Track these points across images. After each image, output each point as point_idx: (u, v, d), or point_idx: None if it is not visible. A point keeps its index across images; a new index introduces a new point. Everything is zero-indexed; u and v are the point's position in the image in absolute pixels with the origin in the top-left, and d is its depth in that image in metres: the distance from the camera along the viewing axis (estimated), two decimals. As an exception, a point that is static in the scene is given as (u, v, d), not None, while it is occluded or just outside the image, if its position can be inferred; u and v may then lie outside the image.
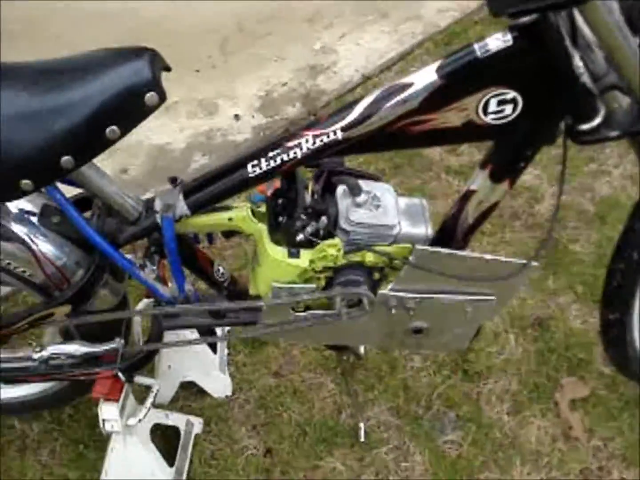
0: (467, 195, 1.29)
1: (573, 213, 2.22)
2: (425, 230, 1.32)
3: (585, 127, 1.15)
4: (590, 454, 1.76)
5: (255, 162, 1.20)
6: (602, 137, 1.14)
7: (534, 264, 1.32)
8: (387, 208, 1.31)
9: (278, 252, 1.31)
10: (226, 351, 1.94)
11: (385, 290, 1.36)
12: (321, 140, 1.15)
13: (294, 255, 1.31)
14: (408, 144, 1.20)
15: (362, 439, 1.78)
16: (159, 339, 1.55)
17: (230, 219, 1.32)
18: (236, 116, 2.56)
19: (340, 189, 1.31)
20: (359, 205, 1.29)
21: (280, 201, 1.32)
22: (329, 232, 1.30)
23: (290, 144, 1.17)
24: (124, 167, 2.42)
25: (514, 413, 1.83)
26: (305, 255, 1.31)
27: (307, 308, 1.41)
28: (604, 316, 1.55)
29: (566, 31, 1.06)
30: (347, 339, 1.53)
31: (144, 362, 1.56)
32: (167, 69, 1.14)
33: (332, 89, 2.65)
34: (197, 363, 1.85)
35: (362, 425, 1.78)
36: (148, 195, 2.33)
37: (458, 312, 1.41)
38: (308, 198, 1.29)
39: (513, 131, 1.15)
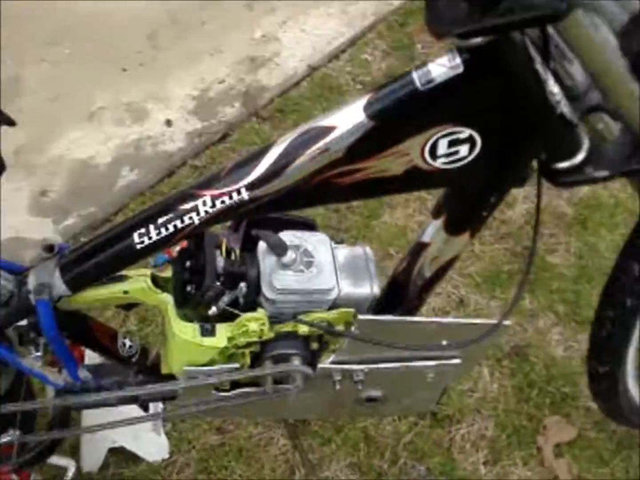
0: (419, 249, 1.03)
1: (550, 218, 1.97)
2: (371, 288, 1.07)
3: (564, 165, 0.89)
4: (581, 506, 1.54)
5: (143, 230, 0.93)
6: (587, 178, 0.89)
7: (506, 323, 1.07)
8: (321, 266, 1.05)
9: (188, 331, 1.05)
10: (161, 406, 1.68)
11: (326, 362, 1.10)
12: (222, 202, 0.89)
13: (208, 332, 1.05)
14: (336, 198, 0.94)
15: (319, 506, 1.54)
16: (65, 422, 1.29)
17: (125, 292, 1.05)
18: (168, 121, 2.28)
19: (262, 246, 1.05)
20: (285, 267, 1.03)
21: (187, 264, 1.06)
22: (251, 301, 1.04)
23: (184, 207, 0.91)
24: (43, 188, 2.13)
25: (492, 463, 1.59)
26: (223, 331, 1.05)
27: (235, 385, 1.15)
28: (592, 368, 1.31)
29: (536, 48, 0.80)
30: (286, 413, 1.29)
31: (51, 448, 1.31)
32: (11, 123, 0.87)
33: (275, 83, 2.37)
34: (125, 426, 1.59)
35: (318, 489, 1.54)
36: (71, 221, 2.09)
37: (417, 378, 1.16)
38: (221, 260, 1.03)
39: (472, 175, 0.90)
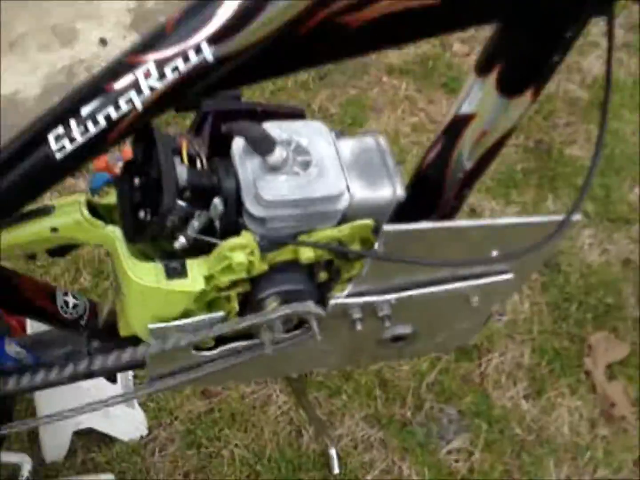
0: (458, 126, 0.74)
1: (562, 105, 1.70)
2: (392, 189, 0.78)
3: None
4: (645, 434, 1.30)
5: (61, 129, 0.62)
6: None
7: (576, 218, 0.79)
8: (323, 165, 0.76)
9: (148, 274, 0.75)
10: (131, 374, 1.39)
11: (340, 297, 0.82)
12: (175, 70, 0.58)
13: (176, 273, 0.75)
14: (342, 50, 0.63)
15: (336, 470, 1.28)
16: (7, 412, 1.01)
17: (54, 230, 0.75)
18: (102, 41, 1.94)
19: (238, 144, 0.75)
20: (274, 170, 0.74)
21: (137, 181, 0.76)
22: (232, 223, 0.75)
23: (118, 85, 0.60)
24: (-37, 132, 1.79)
25: (534, 395, 1.35)
26: (196, 269, 0.76)
27: (221, 340, 0.86)
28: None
29: None
30: (290, 369, 1.00)
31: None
32: None
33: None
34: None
35: (332, 451, 1.28)
36: None
37: (459, 304, 0.89)
38: (183, 170, 0.73)
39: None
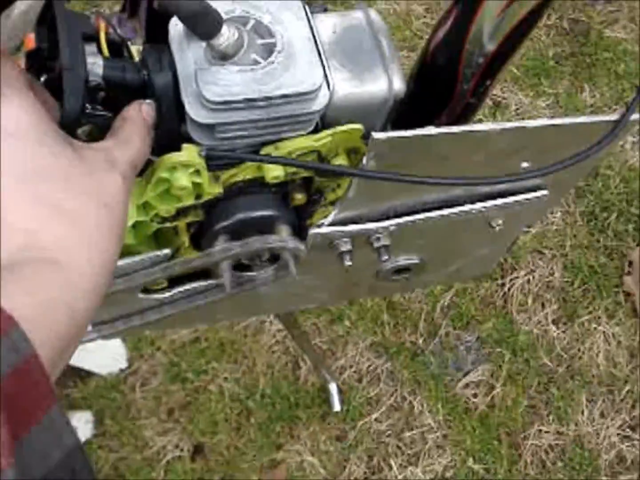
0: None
1: (603, -23, 1.44)
2: (387, 81, 0.59)
3: None
4: (692, 365, 1.13)
5: None
6: None
7: (635, 117, 0.59)
8: (292, 50, 0.56)
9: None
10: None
11: (322, 224, 0.64)
12: None
13: (100, 201, 0.56)
14: None
15: (337, 407, 1.13)
16: None
17: None
18: None
19: (176, 26, 0.55)
20: (223, 59, 0.54)
21: (44, 79, 0.56)
22: (171, 134, 0.56)
23: None
24: None
25: (565, 319, 1.18)
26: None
27: (175, 281, 0.69)
28: None
29: None
30: (267, 308, 0.83)
31: None
32: None
33: None
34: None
35: (333, 385, 1.13)
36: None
37: (478, 229, 0.70)
38: (96, 62, 0.53)
39: None
